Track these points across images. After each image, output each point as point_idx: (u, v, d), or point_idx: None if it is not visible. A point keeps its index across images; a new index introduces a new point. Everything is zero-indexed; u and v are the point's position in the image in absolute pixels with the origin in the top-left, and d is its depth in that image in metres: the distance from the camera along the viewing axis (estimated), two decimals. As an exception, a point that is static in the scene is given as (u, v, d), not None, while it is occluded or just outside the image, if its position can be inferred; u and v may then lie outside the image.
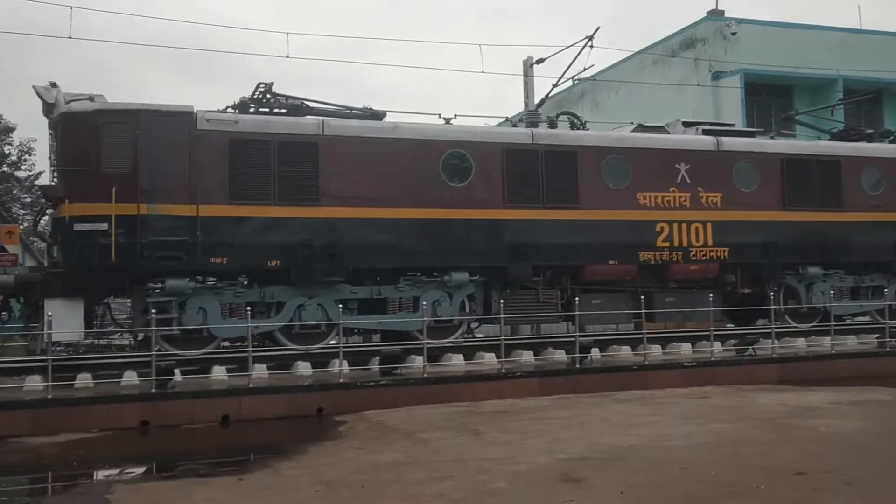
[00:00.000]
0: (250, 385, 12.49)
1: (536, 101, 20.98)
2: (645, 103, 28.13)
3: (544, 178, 15.47)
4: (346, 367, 13.88)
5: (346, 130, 14.43)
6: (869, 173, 18.03)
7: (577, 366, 14.35)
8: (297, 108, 15.03)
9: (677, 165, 16.46)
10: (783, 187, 17.25)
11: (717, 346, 16.32)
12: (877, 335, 17.22)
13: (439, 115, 16.04)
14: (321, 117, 14.53)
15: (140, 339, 14.87)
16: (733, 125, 18.57)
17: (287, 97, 15.18)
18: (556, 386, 13.97)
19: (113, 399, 11.87)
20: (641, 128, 17.31)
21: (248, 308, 12.98)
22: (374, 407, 12.66)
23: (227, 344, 14.64)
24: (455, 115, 16.10)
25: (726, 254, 16.71)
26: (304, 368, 13.78)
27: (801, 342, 17.13)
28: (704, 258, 16.55)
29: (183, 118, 13.44)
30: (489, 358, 14.72)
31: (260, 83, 14.91)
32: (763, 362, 15.60)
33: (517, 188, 15.30)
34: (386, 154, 14.53)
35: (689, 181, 16.51)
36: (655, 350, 16.00)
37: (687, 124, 17.90)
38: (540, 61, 20.95)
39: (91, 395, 11.97)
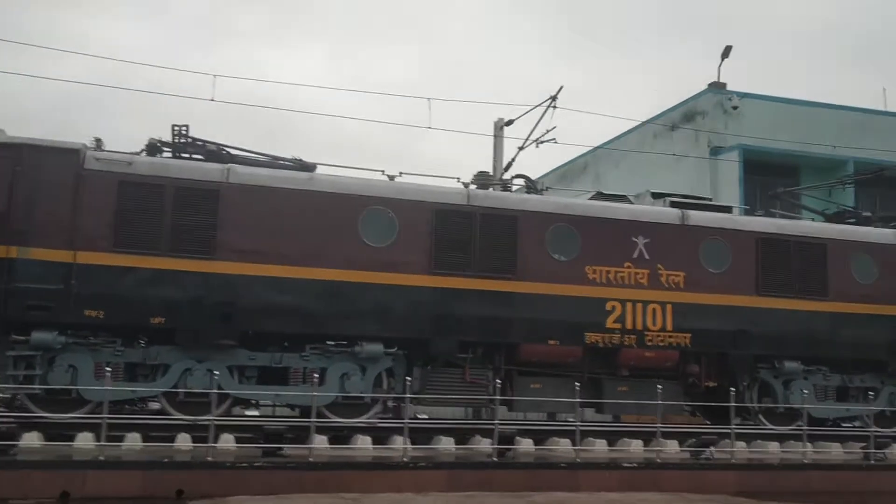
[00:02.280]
0: (101, 458, 10.95)
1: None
2: (645, 176, 26.60)
3: (478, 244, 13.92)
4: (231, 442, 12.37)
5: (254, 179, 13.14)
6: (859, 260, 16.08)
7: (494, 459, 12.51)
8: (213, 153, 13.83)
9: (634, 238, 14.79)
10: (758, 269, 15.41)
11: (673, 444, 14.38)
12: (863, 444, 15.03)
13: (383, 171, 14.75)
14: (227, 164, 13.27)
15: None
16: (710, 200, 16.89)
17: (205, 142, 14.02)
18: (465, 481, 12.13)
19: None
20: (601, 196, 15.75)
21: (108, 369, 11.49)
22: (246, 492, 11.04)
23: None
24: (400, 173, 14.82)
25: (688, 340, 14.83)
26: (183, 441, 12.26)
27: (773, 447, 15.04)
28: (662, 344, 14.69)
29: (69, 156, 12.29)
30: (400, 442, 13.03)
31: (174, 125, 13.80)
32: (720, 468, 13.54)
33: (446, 253, 13.75)
34: (298, 207, 13.17)
35: (647, 256, 14.79)
36: (599, 445, 14.11)
37: (656, 195, 16.27)
38: (509, 123, 19.65)
39: None
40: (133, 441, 12.03)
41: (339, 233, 13.27)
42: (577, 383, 13.20)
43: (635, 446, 14.22)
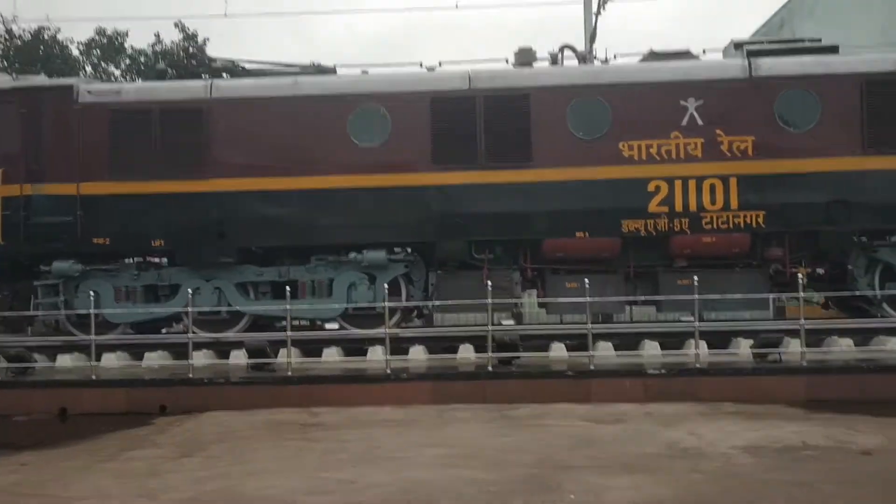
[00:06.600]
0: (93, 377, 11.55)
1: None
2: (840, 24, 22.28)
3: (483, 132, 12.37)
4: (204, 359, 12.32)
5: (237, 91, 12.76)
6: None
7: (489, 368, 11.24)
8: (218, 70, 13.66)
9: (683, 102, 12.21)
10: (863, 121, 12.04)
11: (745, 345, 11.94)
12: None
13: (420, 63, 13.64)
14: (211, 79, 13.00)
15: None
16: (819, 41, 13.35)
17: (215, 59, 13.88)
18: (453, 393, 11.05)
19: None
20: (654, 56, 13.14)
21: (94, 293, 11.96)
22: (225, 407, 11.01)
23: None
24: (440, 63, 13.61)
25: (761, 219, 12.10)
26: (200, 358, 12.51)
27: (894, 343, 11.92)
28: (725, 226, 12.14)
29: (62, 92, 12.80)
30: (419, 352, 12.30)
31: (183, 47, 13.81)
32: (784, 373, 10.97)
33: (447, 146, 12.41)
34: (284, 115, 12.59)
35: (700, 122, 12.18)
36: (650, 349, 12.13)
37: (737, 46, 13.28)
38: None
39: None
40: (150, 360, 12.56)
41: (327, 137, 12.51)
42: (586, 279, 11.30)
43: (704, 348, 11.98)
